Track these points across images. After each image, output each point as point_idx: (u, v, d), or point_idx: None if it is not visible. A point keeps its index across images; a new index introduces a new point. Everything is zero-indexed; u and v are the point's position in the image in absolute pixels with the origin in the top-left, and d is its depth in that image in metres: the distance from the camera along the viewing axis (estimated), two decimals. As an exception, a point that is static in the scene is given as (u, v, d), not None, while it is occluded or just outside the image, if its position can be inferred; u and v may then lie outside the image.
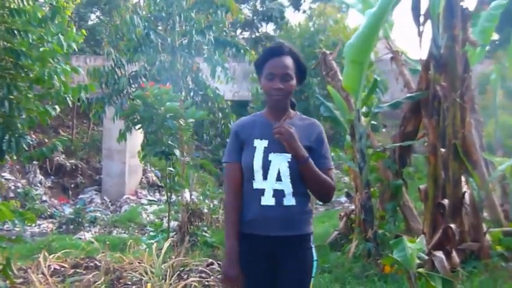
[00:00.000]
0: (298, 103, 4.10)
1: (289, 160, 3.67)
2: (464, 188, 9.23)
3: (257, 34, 40.61)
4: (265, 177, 3.70)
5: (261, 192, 3.70)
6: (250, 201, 3.75)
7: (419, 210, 10.70)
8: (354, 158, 9.99)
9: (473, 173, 9.40)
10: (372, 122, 10.86)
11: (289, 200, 3.69)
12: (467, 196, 9.15)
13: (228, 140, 4.05)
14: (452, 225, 8.58)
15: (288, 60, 3.73)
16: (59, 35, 8.52)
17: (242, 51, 16.03)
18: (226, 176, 3.90)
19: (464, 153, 9.06)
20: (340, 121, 10.51)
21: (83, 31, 9.32)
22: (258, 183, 3.72)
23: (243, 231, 3.78)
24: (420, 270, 6.41)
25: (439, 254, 8.14)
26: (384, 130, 21.04)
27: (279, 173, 3.69)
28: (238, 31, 38.63)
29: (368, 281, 8.69)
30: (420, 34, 9.56)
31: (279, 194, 3.68)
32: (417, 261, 6.16)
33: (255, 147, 3.76)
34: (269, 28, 41.52)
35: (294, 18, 70.71)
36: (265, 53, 3.84)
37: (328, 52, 11.83)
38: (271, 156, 3.71)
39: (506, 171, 10.91)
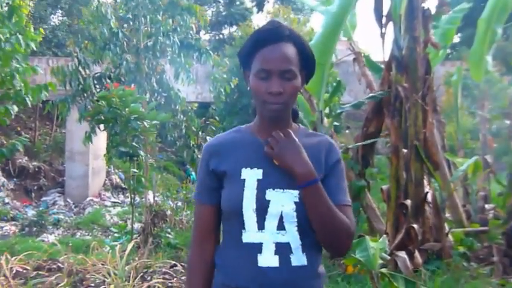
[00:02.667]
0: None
1: (297, 200, 2.51)
2: (426, 188, 9.33)
3: (221, 36, 40.71)
4: (261, 226, 2.54)
5: (257, 248, 2.54)
6: (240, 260, 2.57)
7: (382, 211, 10.78)
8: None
9: (435, 174, 9.51)
10: (335, 123, 10.92)
11: (299, 258, 2.53)
12: (429, 196, 9.26)
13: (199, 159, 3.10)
14: (415, 226, 8.68)
15: (290, 49, 2.52)
16: (17, 34, 8.46)
17: (205, 54, 16.09)
18: (194, 219, 2.80)
19: (425, 153, 9.16)
20: (303, 122, 10.55)
21: (41, 30, 9.29)
22: (250, 234, 2.55)
23: None
24: (383, 270, 6.46)
25: (402, 254, 8.21)
26: (347, 131, 21.19)
27: (281, 217, 2.52)
28: (202, 32, 38.64)
29: (332, 281, 8.73)
30: (382, 35, 9.65)
31: (283, 250, 2.52)
32: (380, 261, 6.20)
33: (243, 180, 2.58)
34: (233, 30, 41.61)
35: (258, 19, 70.96)
36: (254, 38, 2.58)
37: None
38: (270, 194, 2.54)
39: (467, 172, 11.05)
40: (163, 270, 8.91)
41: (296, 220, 2.52)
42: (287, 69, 2.49)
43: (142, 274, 8.36)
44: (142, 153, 10.11)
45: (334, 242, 2.53)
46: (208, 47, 18.02)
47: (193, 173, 24.40)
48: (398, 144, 9.17)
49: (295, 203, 2.51)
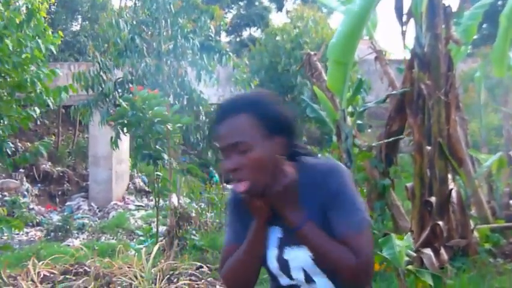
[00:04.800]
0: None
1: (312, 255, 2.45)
2: (451, 185, 9.30)
3: (241, 37, 40.79)
4: (291, 278, 2.54)
5: (296, 286, 2.56)
6: None
7: (407, 209, 10.75)
8: (341, 158, 10.04)
9: (459, 171, 9.47)
10: (358, 121, 10.92)
11: None
12: (453, 193, 9.22)
13: None
14: (440, 223, 8.63)
15: (240, 120, 2.35)
16: (37, 38, 8.53)
17: (225, 56, 16.15)
18: (222, 260, 2.69)
19: (449, 151, 9.12)
20: (326, 121, 10.59)
21: (60, 33, 9.34)
22: (285, 281, 2.57)
23: None
24: (409, 267, 6.46)
25: (427, 251, 8.18)
26: (370, 130, 21.16)
27: (305, 272, 2.50)
28: (223, 35, 38.75)
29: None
30: (403, 33, 9.62)
31: None
32: (406, 258, 6.21)
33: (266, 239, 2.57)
34: (253, 31, 41.71)
35: (277, 18, 71.03)
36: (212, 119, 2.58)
37: (312, 53, 11.88)
38: (287, 253, 2.51)
39: (491, 168, 11.00)
40: (189, 272, 8.96)
41: (320, 271, 2.47)
42: (235, 142, 2.33)
43: (168, 276, 8.42)
44: (165, 156, 10.15)
45: (344, 280, 2.41)
46: (229, 49, 18.07)
47: (216, 175, 24.47)
48: (421, 141, 9.13)
49: (310, 256, 2.44)
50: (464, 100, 16.33)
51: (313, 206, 2.42)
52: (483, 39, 26.76)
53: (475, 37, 13.98)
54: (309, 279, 2.48)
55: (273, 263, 2.52)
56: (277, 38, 24.84)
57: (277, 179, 2.36)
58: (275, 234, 2.52)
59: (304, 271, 2.47)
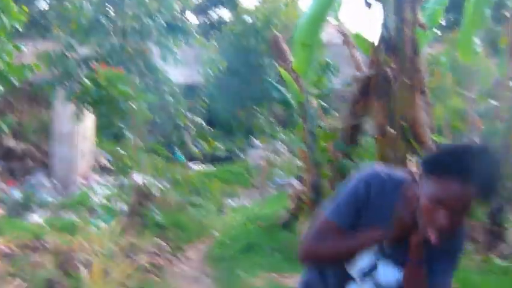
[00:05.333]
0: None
1: (400, 278, 2.68)
2: (413, 168, 9.35)
3: (210, 18, 40.50)
4: (362, 281, 2.76)
5: (352, 279, 2.79)
6: (332, 275, 2.88)
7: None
8: (305, 139, 10.05)
9: (421, 153, 9.52)
10: (324, 104, 10.92)
11: None
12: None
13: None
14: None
15: (471, 194, 2.36)
16: (0, 13, 8.39)
17: (190, 36, 16.10)
18: (318, 229, 2.78)
19: (412, 134, 9.17)
20: (291, 103, 10.57)
21: (25, 8, 9.19)
22: (351, 272, 2.79)
23: None
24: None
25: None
26: (337, 113, 21.21)
27: (379, 284, 2.72)
28: (192, 16, 38.49)
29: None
30: (370, 17, 9.64)
31: None
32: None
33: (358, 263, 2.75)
34: (222, 12, 41.41)
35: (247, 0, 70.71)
36: (451, 160, 2.40)
37: (279, 35, 11.83)
38: (381, 266, 2.71)
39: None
40: (150, 249, 8.94)
41: None
42: (464, 210, 2.41)
43: (128, 253, 8.38)
44: (129, 134, 10.09)
45: None
46: (197, 29, 18.01)
47: (181, 155, 24.41)
48: (384, 124, 9.18)
49: (397, 280, 2.67)
50: (430, 84, 16.42)
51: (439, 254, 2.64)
52: (450, 25, 26.85)
53: (442, 22, 14.03)
54: None
55: (363, 263, 2.73)
56: (247, 19, 24.77)
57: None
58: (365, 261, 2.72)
59: (379, 285, 2.72)
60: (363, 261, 2.70)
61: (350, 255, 2.69)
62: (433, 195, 2.38)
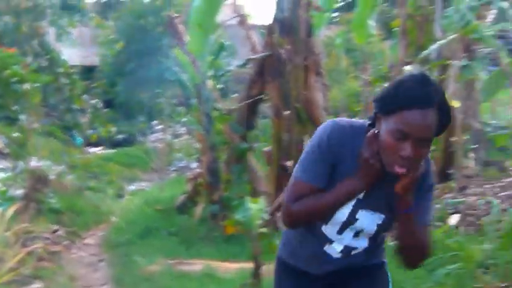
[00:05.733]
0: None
1: (380, 222, 2.75)
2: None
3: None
4: (340, 232, 2.80)
5: (328, 240, 2.83)
6: (308, 237, 2.89)
7: (265, 173, 10.86)
8: (201, 121, 10.00)
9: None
10: (221, 85, 10.90)
11: (359, 255, 2.88)
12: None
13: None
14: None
15: (434, 118, 2.42)
16: None
17: (86, 16, 15.85)
18: (292, 191, 2.71)
19: (307, 115, 9.25)
20: (186, 85, 10.50)
21: None
22: (328, 231, 2.81)
23: (286, 261, 3.08)
24: (263, 230, 6.52)
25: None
26: (235, 95, 21.20)
27: (360, 231, 2.79)
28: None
29: (213, 242, 8.82)
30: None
31: (349, 250, 2.86)
32: (260, 221, 6.25)
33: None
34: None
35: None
36: (402, 95, 2.42)
37: (175, 15, 11.69)
38: (361, 214, 2.73)
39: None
40: (45, 235, 8.76)
41: (372, 234, 2.79)
42: (426, 138, 2.44)
43: (22, 240, 8.19)
44: (23, 117, 9.83)
45: (411, 258, 2.78)
46: (94, 10, 17.71)
47: (79, 138, 23.98)
48: (279, 106, 9.22)
49: (378, 224, 2.74)
50: (326, 66, 16.60)
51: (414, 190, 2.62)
52: (349, 7, 27.21)
53: (341, 4, 14.20)
54: (355, 236, 2.80)
55: (341, 217, 2.73)
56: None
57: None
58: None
59: (359, 231, 2.77)
60: (341, 213, 2.71)
61: (331, 210, 2.71)
62: (395, 129, 2.41)
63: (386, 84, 2.45)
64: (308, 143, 2.76)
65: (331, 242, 2.82)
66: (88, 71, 24.46)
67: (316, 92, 9.98)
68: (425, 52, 9.50)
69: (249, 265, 6.72)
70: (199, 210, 10.02)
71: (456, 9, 8.40)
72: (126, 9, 23.52)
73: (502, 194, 9.28)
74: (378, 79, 14.14)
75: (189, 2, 10.91)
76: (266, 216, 6.65)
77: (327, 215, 2.74)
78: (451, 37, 9.21)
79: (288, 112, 9.14)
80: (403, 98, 2.40)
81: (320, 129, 2.71)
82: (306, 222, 2.82)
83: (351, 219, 2.72)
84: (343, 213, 2.71)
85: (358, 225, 2.74)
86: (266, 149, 9.58)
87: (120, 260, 9.05)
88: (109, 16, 24.22)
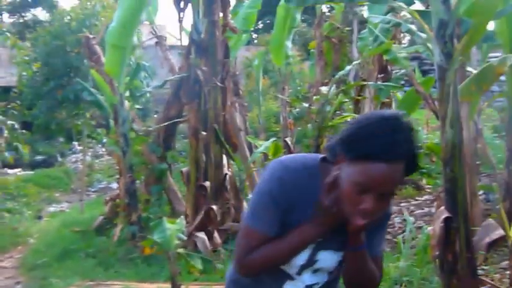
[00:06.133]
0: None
1: (341, 259, 2.54)
2: (226, 170, 9.51)
3: (25, 18, 39.21)
4: (299, 273, 2.57)
5: (288, 276, 2.58)
6: (263, 277, 2.61)
7: (184, 193, 10.89)
8: (118, 143, 9.97)
9: (234, 156, 9.70)
10: (139, 106, 10.89)
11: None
12: (228, 178, 9.45)
13: None
14: (214, 207, 8.84)
15: (401, 170, 2.20)
16: None
17: (2, 36, 15.61)
18: (244, 242, 2.50)
19: (225, 136, 9.33)
20: (104, 106, 10.46)
21: None
22: (288, 269, 2.56)
23: None
24: (180, 250, 6.54)
25: (201, 234, 8.40)
26: (156, 116, 21.17)
27: (320, 269, 2.58)
28: (6, 15, 37.19)
29: (132, 263, 8.80)
30: (180, 20, 9.71)
31: (309, 287, 2.60)
32: (177, 241, 6.27)
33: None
34: (38, 12, 40.09)
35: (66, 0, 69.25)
36: (369, 142, 2.15)
37: (91, 36, 11.63)
38: (321, 255, 2.53)
39: (268, 153, 11.32)
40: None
41: (331, 271, 2.58)
42: (390, 192, 2.24)
43: None
44: None
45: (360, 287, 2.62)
46: (11, 30, 17.45)
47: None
48: (197, 126, 9.27)
49: (339, 261, 2.54)
50: (245, 87, 16.75)
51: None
52: (267, 28, 27.54)
53: (259, 25, 14.33)
54: (315, 273, 2.57)
55: (299, 261, 2.51)
56: (65, 19, 24.16)
57: None
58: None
59: (319, 269, 2.55)
60: (300, 258, 2.49)
61: (288, 258, 2.50)
62: (357, 181, 2.17)
63: (352, 122, 2.09)
64: (257, 187, 2.50)
65: (291, 278, 2.58)
66: (4, 92, 24.06)
67: (235, 112, 10.09)
68: (341, 73, 9.66)
69: (167, 286, 6.73)
70: (117, 231, 9.97)
71: (370, 32, 8.58)
72: (44, 30, 23.21)
73: (417, 211, 9.54)
74: (297, 99, 14.33)
75: (106, 23, 10.88)
76: (184, 237, 6.68)
77: (284, 263, 2.53)
78: (366, 58, 9.43)
79: (205, 133, 9.19)
80: (369, 147, 2.14)
81: (270, 172, 2.45)
82: (262, 272, 2.56)
83: (311, 262, 2.52)
84: (301, 258, 2.49)
85: (318, 265, 2.54)
86: (184, 169, 9.61)
87: (37, 282, 8.94)
88: (27, 36, 23.89)
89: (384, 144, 2.12)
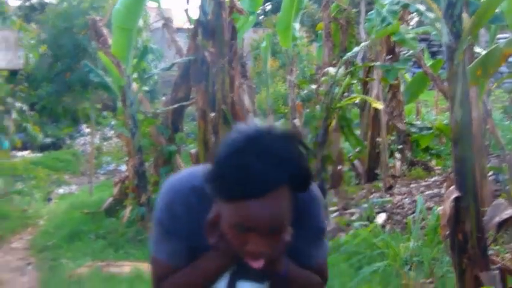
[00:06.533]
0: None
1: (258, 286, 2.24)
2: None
3: (32, 1, 39.12)
4: None
5: None
6: None
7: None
8: (127, 124, 9.97)
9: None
10: (147, 88, 10.89)
11: None
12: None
13: None
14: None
15: (285, 197, 1.85)
16: None
17: (8, 19, 15.57)
18: (154, 273, 2.26)
19: (233, 117, 9.29)
20: (111, 88, 10.46)
21: None
22: None
23: None
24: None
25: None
26: (163, 98, 21.11)
27: None
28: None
29: (141, 244, 8.84)
30: (188, 1, 9.68)
31: None
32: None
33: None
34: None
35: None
36: (230, 177, 1.81)
37: (98, 18, 11.60)
38: (239, 285, 2.23)
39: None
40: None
41: None
42: (278, 227, 1.88)
43: None
44: None
45: None
46: (18, 12, 17.42)
47: (6, 142, 23.56)
48: (205, 108, 9.26)
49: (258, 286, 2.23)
50: (253, 69, 16.72)
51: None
52: (275, 9, 27.37)
53: (267, 7, 14.30)
54: None
55: None
56: (73, 1, 24.13)
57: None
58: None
59: None
60: (220, 285, 2.22)
61: (204, 286, 2.22)
62: (234, 222, 1.87)
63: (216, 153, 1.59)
64: (154, 213, 2.22)
65: None
66: (13, 75, 24.08)
67: (242, 94, 10.05)
68: (349, 54, 9.60)
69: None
70: (126, 212, 10.02)
71: (378, 13, 8.50)
72: (51, 12, 23.18)
73: (427, 192, 9.51)
74: (305, 81, 14.29)
75: (113, 5, 10.84)
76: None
77: None
78: (374, 39, 9.37)
79: (214, 114, 9.17)
80: (232, 184, 1.80)
81: (160, 198, 2.19)
82: None
83: None
84: (220, 287, 2.22)
85: None
86: (193, 150, 9.61)
87: (48, 263, 8.97)
88: (34, 19, 23.86)
89: (249, 176, 1.78)
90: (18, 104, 16.91)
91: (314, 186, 2.16)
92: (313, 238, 2.24)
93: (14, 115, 17.36)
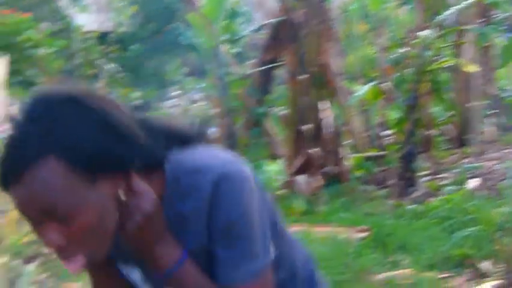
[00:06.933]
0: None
1: None
2: (325, 114, 9.46)
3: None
4: None
5: None
6: None
7: (282, 137, 10.91)
8: (216, 86, 10.04)
9: (333, 100, 9.62)
10: (236, 50, 10.91)
11: None
12: (327, 122, 9.40)
13: None
14: (313, 150, 8.81)
15: (48, 171, 1.38)
16: None
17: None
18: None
19: (323, 80, 9.25)
20: (200, 49, 10.53)
21: None
22: None
23: None
24: (281, 191, 6.59)
25: (301, 177, 8.40)
26: (252, 61, 21.09)
27: None
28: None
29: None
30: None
31: None
32: (278, 183, 6.32)
33: (133, 280, 1.75)
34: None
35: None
36: None
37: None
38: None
39: (367, 99, 11.18)
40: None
41: None
42: (49, 209, 1.40)
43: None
44: (40, 82, 9.88)
45: None
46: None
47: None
48: (295, 70, 9.23)
49: None
50: (342, 32, 16.49)
51: (197, 231, 1.59)
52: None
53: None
54: None
55: None
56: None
57: (128, 215, 1.51)
58: (135, 275, 1.75)
59: None
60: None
61: None
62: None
63: None
64: (242, 216, 1.53)
65: None
66: (104, 37, 24.46)
67: (332, 57, 9.98)
68: (440, 17, 9.40)
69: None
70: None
71: (471, -26, 8.31)
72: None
73: (520, 158, 9.31)
74: (395, 45, 14.08)
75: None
76: (284, 179, 6.71)
77: None
78: (467, 2, 9.14)
79: (303, 76, 9.13)
80: None
81: (243, 190, 1.53)
82: None
83: None
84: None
85: None
86: (283, 113, 9.61)
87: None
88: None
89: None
90: (108, 66, 17.17)
91: (230, 164, 1.59)
92: (222, 239, 1.58)
93: (105, 77, 17.66)
